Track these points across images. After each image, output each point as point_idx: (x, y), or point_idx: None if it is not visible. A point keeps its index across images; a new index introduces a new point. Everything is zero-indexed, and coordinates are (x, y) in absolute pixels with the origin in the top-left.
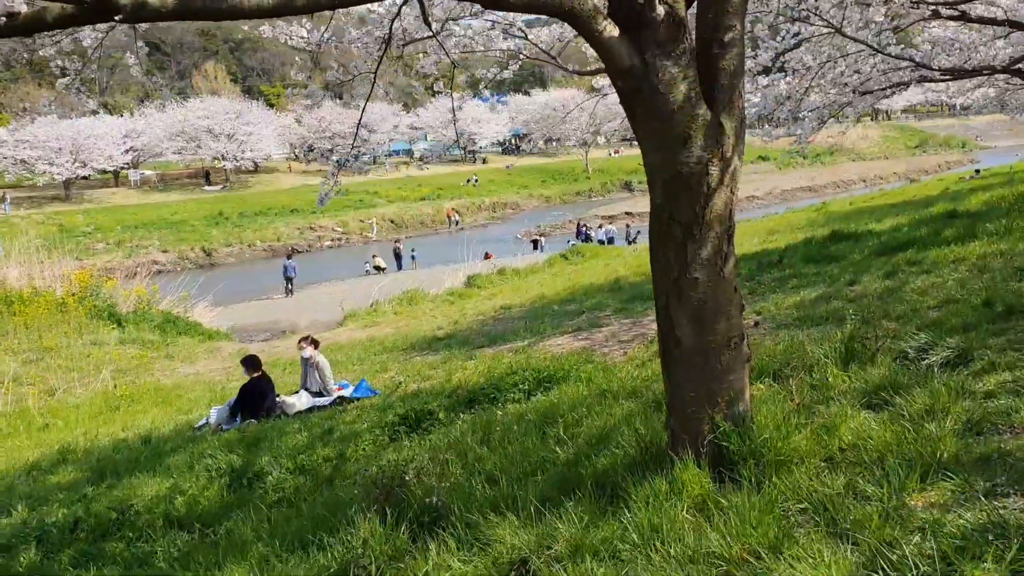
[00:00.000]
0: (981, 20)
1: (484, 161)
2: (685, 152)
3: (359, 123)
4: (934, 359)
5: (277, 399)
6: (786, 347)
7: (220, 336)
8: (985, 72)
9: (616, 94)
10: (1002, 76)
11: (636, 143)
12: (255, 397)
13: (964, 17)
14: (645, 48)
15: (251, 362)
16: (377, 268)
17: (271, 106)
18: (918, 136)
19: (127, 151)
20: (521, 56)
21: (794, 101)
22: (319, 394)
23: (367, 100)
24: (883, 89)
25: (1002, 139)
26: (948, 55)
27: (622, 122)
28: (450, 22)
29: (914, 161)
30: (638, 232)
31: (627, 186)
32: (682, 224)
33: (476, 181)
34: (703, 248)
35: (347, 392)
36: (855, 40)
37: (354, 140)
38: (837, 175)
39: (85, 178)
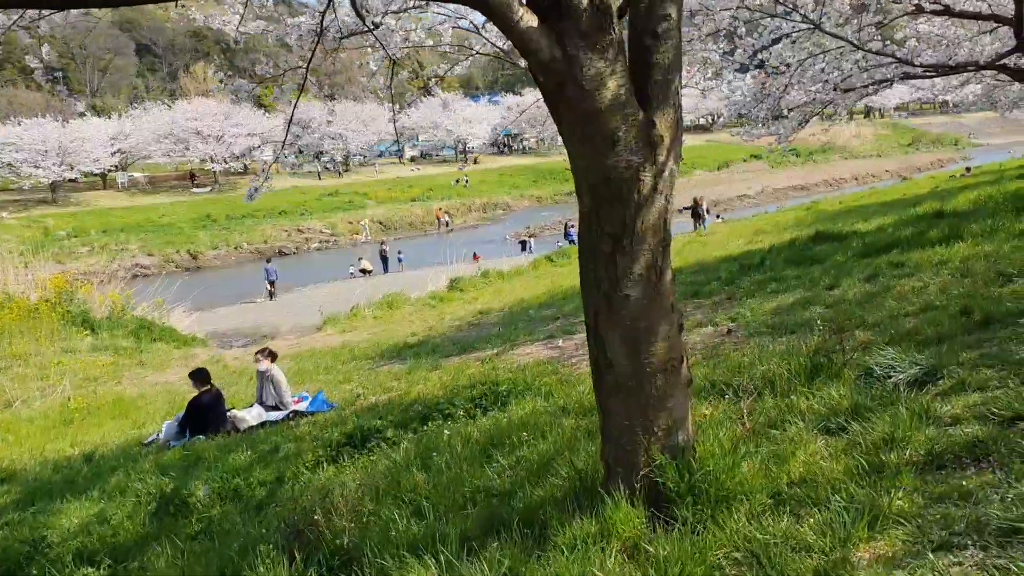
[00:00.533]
0: (965, 14)
1: (476, 161)
2: (613, 155)
3: (289, 120)
4: (901, 377)
5: (228, 413)
6: (751, 360)
7: (195, 342)
8: (970, 68)
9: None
10: (989, 73)
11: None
12: (203, 412)
13: (948, 11)
14: (567, 40)
15: (199, 376)
16: (363, 271)
17: (263, 107)
18: (911, 134)
19: (114, 153)
20: (474, 52)
21: (773, 99)
22: (275, 408)
23: (298, 97)
24: (865, 86)
25: (995, 136)
26: (932, 51)
27: None
28: (389, 16)
29: (906, 159)
30: None
31: None
32: (611, 235)
33: (467, 182)
34: (635, 262)
35: (303, 406)
36: (834, 36)
37: (284, 138)
38: (829, 173)
39: (73, 180)
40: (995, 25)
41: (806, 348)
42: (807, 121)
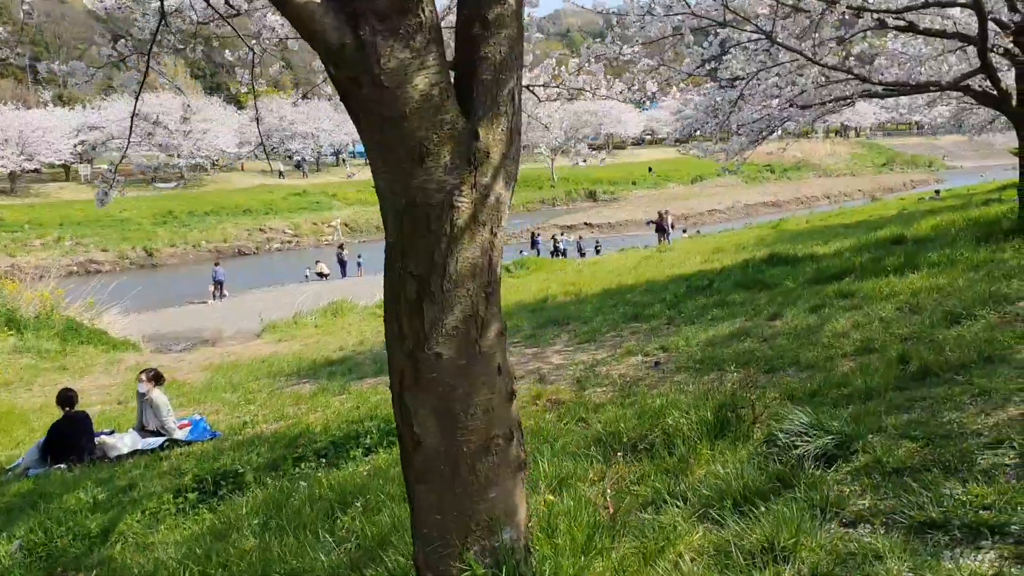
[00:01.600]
0: (929, 32)
1: None
2: (422, 174)
3: (133, 113)
4: (809, 448)
5: (98, 439)
6: (661, 404)
7: (126, 346)
8: (932, 88)
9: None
10: (958, 94)
11: (605, 152)
12: (63, 438)
13: (912, 28)
14: (361, 20)
15: (64, 398)
16: (320, 275)
17: (239, 104)
18: (886, 154)
19: (78, 145)
20: None
21: (723, 114)
22: (156, 433)
23: (140, 87)
24: (823, 104)
25: (969, 159)
26: (898, 69)
27: (593, 130)
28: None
29: (880, 179)
30: (597, 244)
31: (591, 195)
32: (417, 277)
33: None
34: (448, 312)
35: (182, 434)
36: (788, 48)
37: (129, 134)
38: (801, 191)
39: (36, 171)
40: (960, 44)
41: (714, 400)
42: (762, 139)
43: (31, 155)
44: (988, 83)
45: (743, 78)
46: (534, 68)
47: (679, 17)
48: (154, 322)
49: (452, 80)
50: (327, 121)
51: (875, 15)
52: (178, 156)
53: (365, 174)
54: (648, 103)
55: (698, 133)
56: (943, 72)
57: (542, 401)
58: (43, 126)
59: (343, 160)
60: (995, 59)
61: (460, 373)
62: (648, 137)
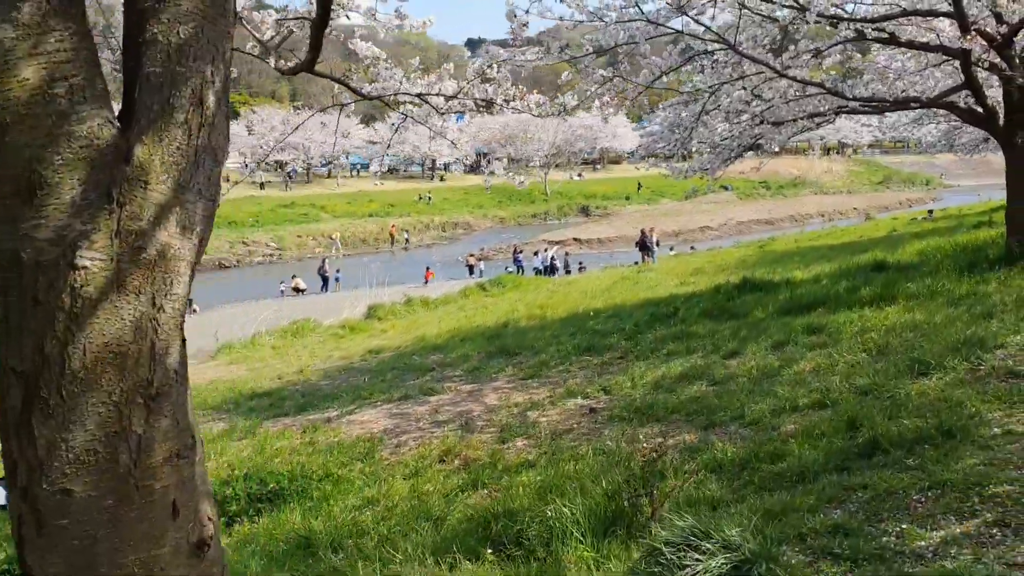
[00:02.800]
0: (912, 45)
1: (441, 179)
2: (31, 216)
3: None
4: (699, 569)
5: None
6: (544, 484)
7: None
8: (913, 105)
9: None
10: (947, 112)
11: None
12: None
13: (893, 40)
14: None
15: None
16: (296, 289)
17: (235, 115)
18: (882, 172)
19: None
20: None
21: (683, 130)
22: None
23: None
24: (795, 120)
25: (966, 178)
26: (881, 84)
27: (586, 145)
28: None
29: (875, 197)
30: (580, 264)
31: (584, 210)
32: (22, 376)
33: (430, 199)
34: (73, 428)
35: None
36: (752, 59)
37: None
38: (795, 209)
39: None
40: (944, 58)
41: (611, 480)
42: (735, 157)
43: None
44: (973, 100)
45: (706, 91)
46: (429, 74)
47: (635, 25)
48: None
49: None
50: (318, 132)
51: (852, 26)
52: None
53: (354, 185)
54: (644, 117)
55: (661, 150)
56: (929, 88)
57: (451, 459)
58: None
59: (331, 172)
60: (981, 74)
61: (104, 520)
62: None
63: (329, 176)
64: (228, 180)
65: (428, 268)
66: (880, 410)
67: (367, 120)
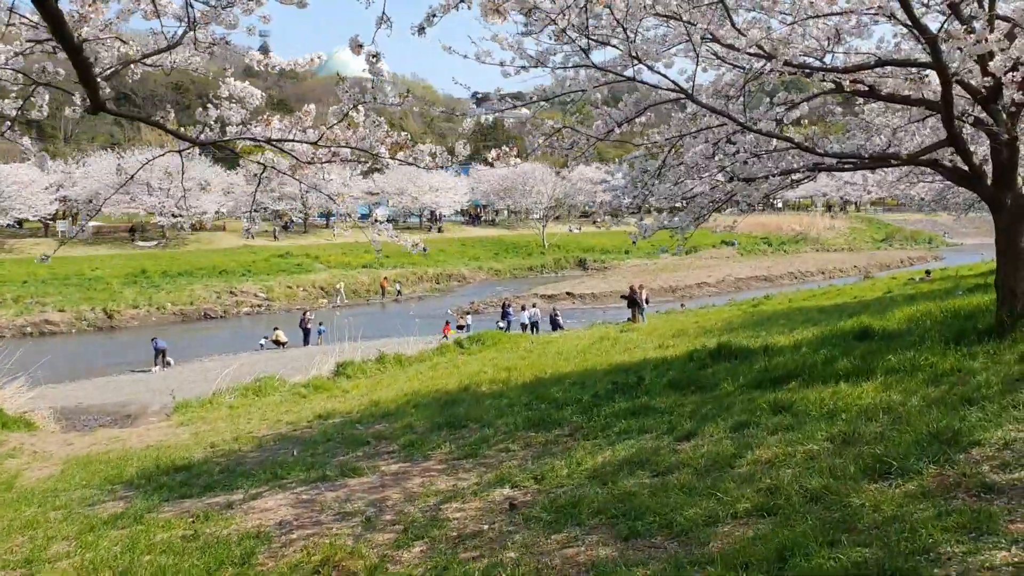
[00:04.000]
0: (893, 99)
1: (440, 230)
2: None
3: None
4: None
5: None
6: None
7: (17, 425)
8: (893, 162)
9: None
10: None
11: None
12: None
13: (872, 93)
14: None
15: None
16: (277, 342)
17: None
18: (885, 229)
19: (55, 201)
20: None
21: (643, 186)
22: None
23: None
24: (765, 177)
25: (970, 236)
26: (860, 140)
27: (586, 198)
28: None
29: (877, 255)
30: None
31: (581, 263)
32: None
33: (425, 250)
34: None
35: None
36: (711, 110)
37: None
38: (795, 265)
39: (20, 224)
40: (929, 113)
41: None
42: (706, 215)
43: (6, 210)
44: (959, 157)
45: (664, 144)
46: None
47: (584, 72)
48: (79, 393)
49: None
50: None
51: (827, 77)
52: (159, 215)
53: (351, 235)
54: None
55: (625, 208)
56: (916, 144)
57: (328, 571)
58: (20, 181)
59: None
60: (968, 131)
61: None
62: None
63: (327, 227)
64: (224, 229)
65: (447, 323)
66: (822, 531)
67: (367, 172)
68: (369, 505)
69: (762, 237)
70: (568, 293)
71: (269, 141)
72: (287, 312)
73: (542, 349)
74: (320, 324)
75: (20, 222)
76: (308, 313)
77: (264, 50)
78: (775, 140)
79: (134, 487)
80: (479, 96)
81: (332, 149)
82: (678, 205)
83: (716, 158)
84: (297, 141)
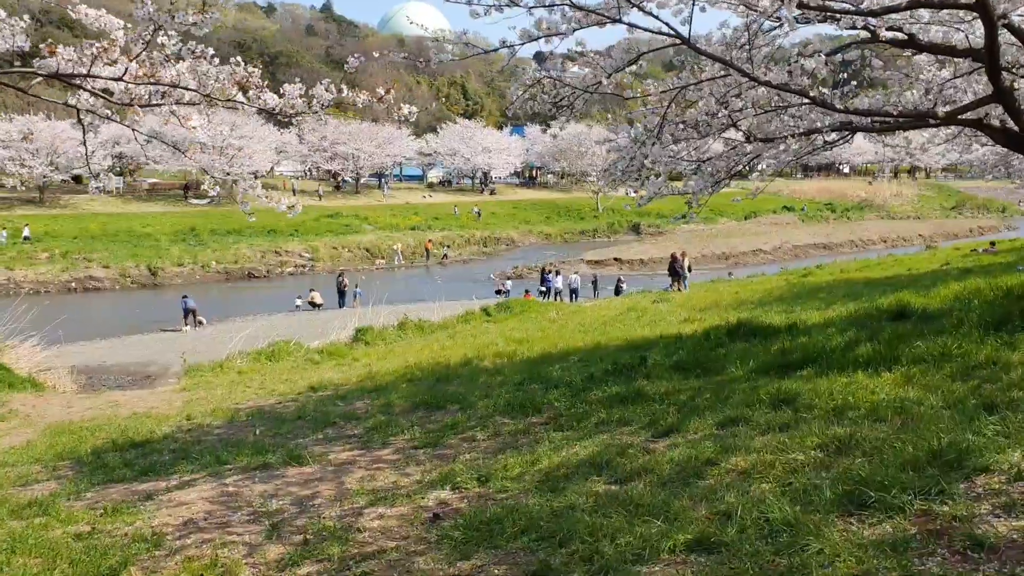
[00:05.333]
0: (936, 48)
1: (492, 192)
2: None
3: None
4: None
5: None
6: None
7: (24, 385)
8: (932, 121)
9: None
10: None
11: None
12: None
13: (912, 43)
14: None
15: None
16: (312, 304)
17: (286, 124)
18: (956, 197)
19: (115, 157)
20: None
21: (638, 146)
22: None
23: None
24: (784, 137)
25: None
26: (892, 96)
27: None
28: None
29: (945, 224)
30: (594, 280)
31: (635, 228)
32: None
33: (478, 213)
34: None
35: None
36: (711, 57)
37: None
38: (857, 233)
39: (77, 180)
40: (976, 66)
41: None
42: (725, 180)
43: (59, 166)
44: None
45: (652, 108)
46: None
47: (560, 11)
48: (105, 352)
49: None
50: (369, 142)
51: (858, 22)
52: (210, 173)
53: (402, 197)
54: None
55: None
56: (961, 99)
57: None
58: (75, 137)
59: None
60: (1018, 83)
61: None
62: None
63: (380, 187)
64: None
65: (527, 292)
66: None
67: (419, 133)
68: (293, 503)
69: (826, 203)
70: (616, 259)
71: (58, 76)
72: (330, 273)
73: (566, 320)
74: (356, 287)
75: (78, 178)
76: (343, 276)
77: (327, 8)
78: (791, 96)
79: (80, 464)
80: (541, 55)
81: (159, 89)
82: (685, 169)
83: (720, 114)
84: (100, 77)
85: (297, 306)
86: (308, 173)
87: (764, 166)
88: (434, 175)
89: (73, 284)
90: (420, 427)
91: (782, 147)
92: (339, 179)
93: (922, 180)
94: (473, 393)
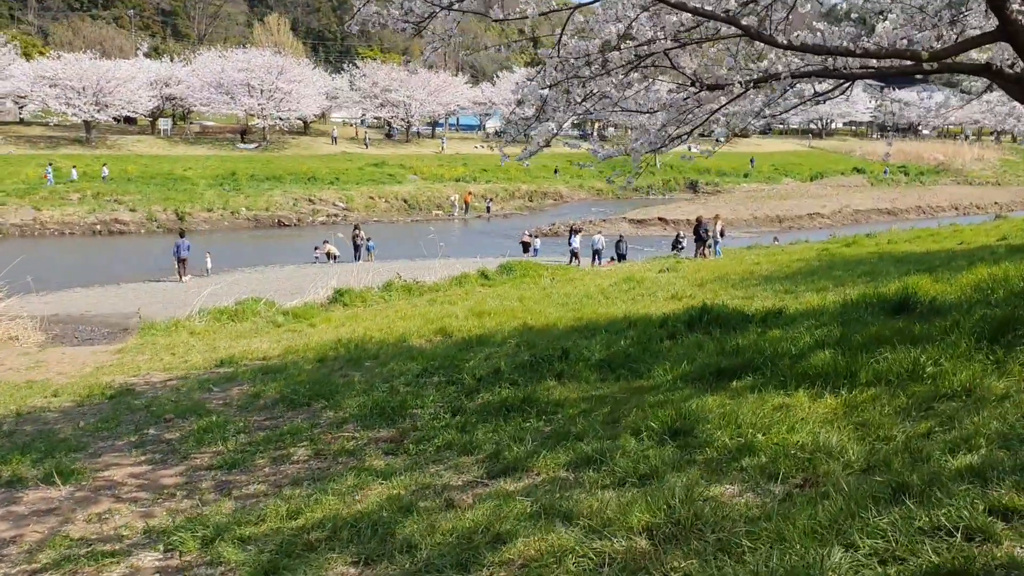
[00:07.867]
0: None
1: (547, 144)
2: None
3: None
4: None
5: None
6: None
7: None
8: (926, 67)
9: None
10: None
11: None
12: None
13: None
14: None
15: None
16: (329, 255)
17: (340, 69)
18: None
19: (163, 99)
20: None
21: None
22: None
23: None
24: (743, 83)
25: None
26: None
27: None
28: None
29: None
30: (619, 240)
31: (692, 186)
32: None
33: (527, 164)
34: None
35: None
36: None
37: None
38: (926, 199)
39: (131, 120)
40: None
41: None
42: (669, 141)
43: (106, 105)
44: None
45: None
46: None
47: None
48: (91, 300)
49: None
50: (422, 91)
51: None
52: (259, 117)
53: (454, 147)
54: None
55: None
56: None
57: None
58: (119, 77)
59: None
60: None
61: None
62: (781, 126)
63: (433, 136)
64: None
65: (611, 258)
66: None
67: (475, 83)
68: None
69: (899, 166)
70: (660, 218)
71: None
72: (363, 223)
73: (557, 288)
74: (369, 240)
75: (129, 119)
76: (359, 230)
77: None
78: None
79: None
80: None
81: None
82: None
83: (620, 53)
84: None
85: (316, 257)
86: (362, 121)
87: (727, 121)
88: (492, 125)
89: (98, 227)
90: (248, 434)
91: (749, 99)
92: (390, 127)
93: (1008, 144)
94: (355, 387)
